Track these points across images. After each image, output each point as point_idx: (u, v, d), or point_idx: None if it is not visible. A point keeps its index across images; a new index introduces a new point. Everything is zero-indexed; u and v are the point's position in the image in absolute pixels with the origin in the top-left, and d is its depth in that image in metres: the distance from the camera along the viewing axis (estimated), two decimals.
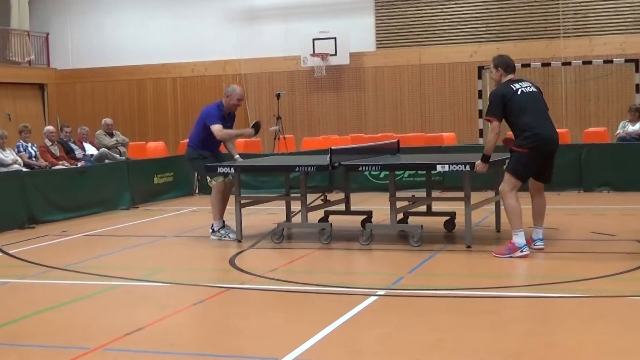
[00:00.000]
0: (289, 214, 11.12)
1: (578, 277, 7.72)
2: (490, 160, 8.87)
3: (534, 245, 9.03)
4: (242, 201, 10.42)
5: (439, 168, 9.60)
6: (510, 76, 8.94)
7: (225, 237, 10.59)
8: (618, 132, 16.53)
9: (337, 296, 7.36)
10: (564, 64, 20.53)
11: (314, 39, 22.83)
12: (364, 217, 11.10)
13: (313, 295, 7.42)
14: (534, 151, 8.64)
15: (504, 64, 9.01)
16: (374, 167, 10.20)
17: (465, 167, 9.20)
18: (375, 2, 23.07)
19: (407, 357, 5.43)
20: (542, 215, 9.12)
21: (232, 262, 9.11)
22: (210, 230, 10.75)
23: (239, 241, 10.24)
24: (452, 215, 10.68)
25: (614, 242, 9.63)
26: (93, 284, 8.20)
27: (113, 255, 10.08)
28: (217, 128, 10.50)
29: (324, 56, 22.78)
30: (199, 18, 24.55)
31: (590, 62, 20.17)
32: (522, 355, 5.39)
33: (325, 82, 23.38)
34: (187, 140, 11.13)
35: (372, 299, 7.09)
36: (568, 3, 21.38)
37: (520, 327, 6.07)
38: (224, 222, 10.78)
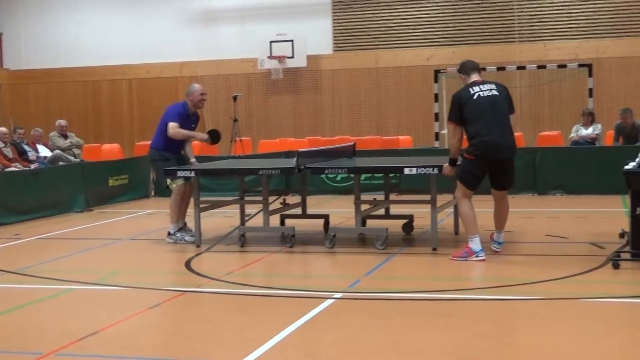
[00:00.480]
0: (243, 217, 11.09)
1: (533, 279, 7.80)
2: (458, 163, 8.94)
3: (492, 246, 9.11)
4: (201, 205, 10.36)
5: (406, 171, 9.59)
6: (473, 78, 8.91)
7: (181, 240, 10.53)
8: (572, 135, 16.78)
9: (294, 299, 7.37)
10: (519, 68, 20.76)
11: (271, 42, 22.81)
12: (322, 220, 11.13)
13: (270, 299, 7.41)
14: (480, 159, 8.64)
15: (464, 68, 9.07)
16: (340, 170, 10.23)
17: (432, 170, 9.24)
18: (333, 5, 23.12)
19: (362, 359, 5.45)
20: (504, 220, 9.14)
21: (188, 265, 9.06)
22: (167, 233, 10.69)
23: (198, 246, 10.17)
24: (410, 218, 10.74)
25: (568, 244, 9.74)
26: (47, 288, 8.09)
27: (67, 258, 9.96)
28: (172, 125, 10.49)
29: (281, 59, 22.77)
30: (155, 19, 24.39)
31: (544, 67, 20.42)
32: (476, 358, 5.43)
33: (282, 84, 23.37)
34: (149, 142, 11.07)
35: (329, 302, 7.10)
36: (523, 8, 21.63)
37: (475, 330, 6.11)
38: (183, 224, 10.73)
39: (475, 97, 8.68)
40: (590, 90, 19.35)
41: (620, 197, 13.45)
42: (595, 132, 16.50)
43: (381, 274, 8.47)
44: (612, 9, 21.18)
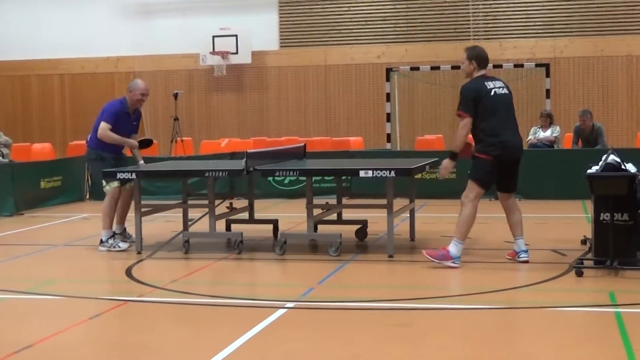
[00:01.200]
0: (186, 222, 10.99)
1: (495, 287, 7.85)
2: (414, 167, 8.92)
3: (518, 257, 8.99)
4: (143, 209, 10.22)
5: (362, 174, 9.50)
6: (482, 71, 8.88)
7: (114, 248, 10.30)
8: (529, 138, 16.93)
9: (243, 309, 7.31)
10: None
11: (213, 36, 22.66)
12: (270, 225, 11.08)
13: (217, 309, 7.35)
14: (497, 159, 8.63)
15: (479, 58, 8.91)
16: (292, 172, 10.14)
17: (390, 173, 9.20)
18: None
19: None
20: (520, 224, 9.04)
21: (129, 273, 8.93)
22: (99, 241, 10.47)
23: (139, 252, 10.02)
24: (364, 223, 10.73)
25: (530, 251, 9.76)
26: None
27: None
28: (103, 126, 10.30)
29: (224, 54, 22.64)
30: (89, 11, 24.06)
31: (500, 66, 20.54)
32: None
33: (225, 81, 23.23)
34: (83, 141, 10.89)
35: (281, 312, 7.06)
36: (478, 5, 21.82)
37: (437, 341, 6.12)
38: (122, 230, 10.58)
39: (492, 93, 8.67)
40: (548, 91, 19.58)
41: (581, 203, 13.64)
42: (554, 135, 16.69)
43: (335, 282, 8.45)
44: (570, 7, 21.49)
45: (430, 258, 8.74)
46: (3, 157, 16.76)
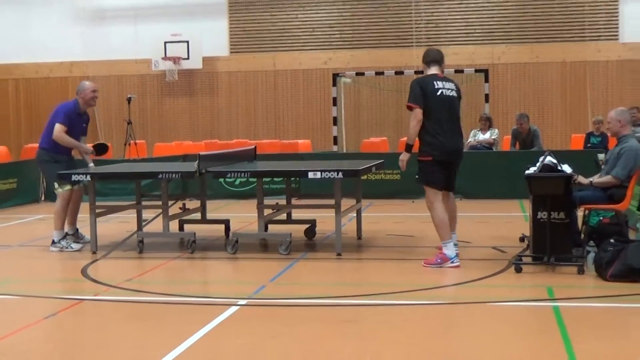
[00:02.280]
0: (140, 222, 10.88)
1: (439, 284, 7.89)
2: (360, 168, 8.89)
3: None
4: (97, 210, 10.09)
5: (310, 175, 9.42)
6: (434, 70, 8.79)
7: (67, 248, 10.15)
8: (469, 140, 17.03)
9: (197, 307, 7.24)
10: (416, 72, 20.87)
11: (165, 42, 22.50)
12: (222, 225, 11.02)
13: (171, 306, 7.26)
14: (436, 159, 8.62)
15: (426, 56, 8.92)
16: (243, 174, 10.06)
17: (337, 175, 9.18)
18: (229, 6, 22.95)
19: None
20: (454, 220, 9.07)
21: (84, 272, 8.80)
22: (51, 242, 10.30)
23: (94, 252, 9.88)
24: (313, 223, 10.72)
25: (471, 248, 9.87)
26: None
27: None
28: (58, 128, 10.14)
29: (175, 60, 22.48)
30: (42, 16, 23.69)
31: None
32: None
33: (177, 86, 23.08)
34: (37, 144, 10.68)
35: (234, 309, 7.01)
36: (421, 13, 21.94)
37: (385, 336, 6.11)
38: (75, 231, 10.45)
39: (438, 92, 8.60)
40: (487, 95, 19.77)
41: (518, 202, 13.78)
42: (493, 137, 16.82)
43: (286, 279, 8.41)
44: (507, 15, 21.71)
45: (431, 266, 8.58)
46: None
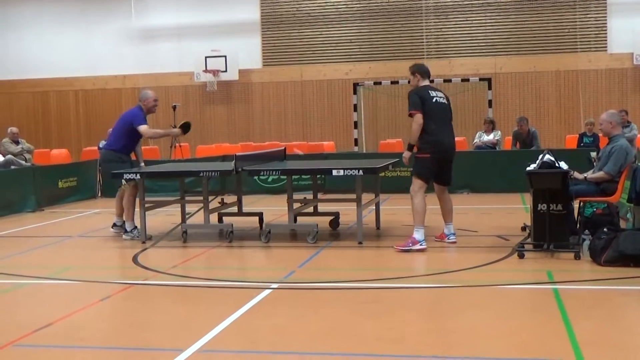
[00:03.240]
0: (184, 215, 10.81)
1: (450, 268, 7.75)
2: (379, 166, 8.89)
3: (447, 239, 9.14)
4: (146, 205, 10.04)
5: (334, 172, 9.31)
6: (426, 82, 8.95)
7: (137, 237, 10.06)
8: (475, 141, 16.89)
9: (234, 290, 7.16)
10: None
11: (206, 57, 22.51)
12: (256, 217, 10.92)
13: (212, 290, 7.18)
14: (434, 156, 8.70)
15: (421, 70, 9.01)
16: (274, 172, 9.89)
17: (358, 172, 9.11)
18: (262, 24, 22.89)
19: (302, 345, 5.28)
20: (450, 212, 9.18)
21: (135, 260, 8.76)
22: (123, 231, 10.32)
23: (143, 242, 9.83)
24: (337, 215, 10.60)
25: (478, 237, 9.73)
26: (1, 283, 7.70)
27: (20, 255, 9.53)
28: (145, 128, 10.19)
29: (215, 72, 22.47)
30: (99, 36, 23.80)
31: (450, 80, 20.54)
32: (403, 340, 5.32)
33: (216, 95, 23.06)
34: (94, 147, 10.66)
35: (267, 292, 6.92)
36: (431, 29, 21.75)
37: (400, 315, 6.01)
38: (118, 223, 10.48)
39: (434, 100, 8.74)
40: (490, 101, 19.59)
41: (519, 195, 13.59)
42: (496, 138, 16.64)
43: (313, 265, 8.31)
44: (508, 30, 21.48)
45: (402, 249, 8.62)
46: (26, 162, 16.48)
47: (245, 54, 22.62)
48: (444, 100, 8.95)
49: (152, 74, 23.27)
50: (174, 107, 20.00)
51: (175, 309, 6.50)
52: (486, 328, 5.59)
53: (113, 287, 7.40)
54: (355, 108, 20.28)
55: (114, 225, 10.48)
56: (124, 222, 10.45)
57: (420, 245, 8.63)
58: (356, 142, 20.18)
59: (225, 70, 22.51)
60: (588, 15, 21.04)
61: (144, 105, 10.38)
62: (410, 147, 8.88)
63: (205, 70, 22.43)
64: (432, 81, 20.38)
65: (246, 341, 5.44)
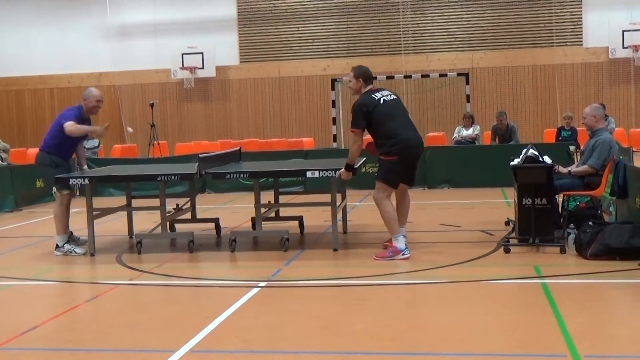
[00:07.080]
0: (131, 226, 10.13)
1: (437, 264, 7.73)
2: (355, 166, 8.45)
3: (402, 255, 8.22)
4: (94, 212, 8.99)
5: (308, 174, 8.70)
6: (369, 86, 8.32)
7: (71, 252, 9.04)
8: (454, 136, 16.93)
9: (222, 289, 7.09)
10: (405, 77, 20.90)
11: (182, 54, 22.43)
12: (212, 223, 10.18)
13: (199, 289, 7.11)
14: (401, 156, 8.07)
15: (364, 75, 8.33)
16: (241, 175, 9.18)
17: (334, 173, 8.42)
18: (239, 21, 22.80)
19: (296, 344, 5.24)
20: (406, 214, 8.58)
21: (119, 259, 8.64)
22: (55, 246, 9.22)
23: (92, 255, 8.86)
24: (300, 219, 10.03)
25: (461, 232, 9.72)
26: None
27: (1, 255, 9.39)
28: (69, 123, 8.90)
29: (192, 69, 22.37)
30: (73, 33, 23.59)
31: (427, 76, 20.62)
32: (397, 337, 5.29)
33: (194, 92, 22.94)
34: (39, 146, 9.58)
35: (255, 290, 6.85)
36: (408, 24, 21.78)
37: (391, 313, 5.98)
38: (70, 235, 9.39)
39: (381, 101, 8.15)
40: (468, 96, 19.68)
41: (500, 190, 13.63)
42: (475, 133, 16.69)
43: (299, 263, 8.21)
44: (485, 25, 21.58)
45: (383, 259, 8.04)
46: (2, 161, 16.27)
47: (222, 50, 22.53)
48: (394, 97, 8.31)
49: (128, 71, 23.11)
50: (152, 105, 19.85)
51: (163, 309, 6.42)
52: (479, 323, 5.57)
53: (99, 287, 7.31)
54: (334, 104, 20.27)
55: (69, 238, 9.32)
56: (71, 233, 9.39)
57: (403, 254, 8.03)
58: (335, 138, 20.15)
59: (203, 67, 22.42)
60: (564, 10, 21.17)
61: (85, 105, 9.19)
62: (348, 167, 8.22)
63: (182, 67, 22.33)
64: (410, 76, 20.76)
65: (238, 340, 5.37)
